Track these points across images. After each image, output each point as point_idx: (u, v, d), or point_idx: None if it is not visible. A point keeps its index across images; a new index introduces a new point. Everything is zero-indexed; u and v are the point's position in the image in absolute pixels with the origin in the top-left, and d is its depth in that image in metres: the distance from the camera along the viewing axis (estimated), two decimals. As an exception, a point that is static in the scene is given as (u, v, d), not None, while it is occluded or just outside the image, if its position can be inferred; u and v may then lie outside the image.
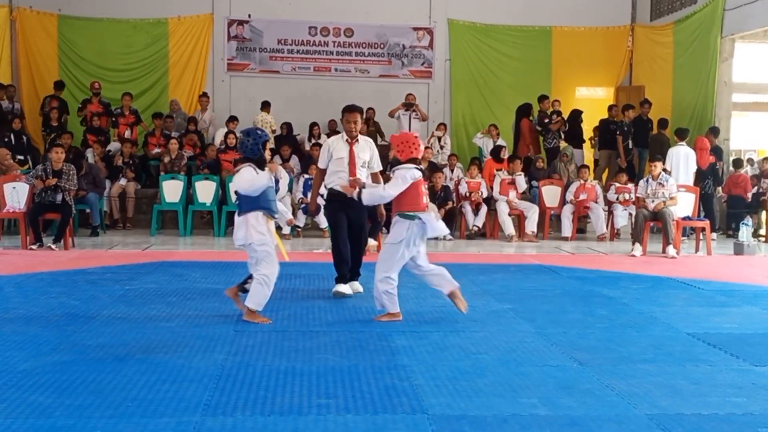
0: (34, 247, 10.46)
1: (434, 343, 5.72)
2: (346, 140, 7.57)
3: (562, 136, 15.52)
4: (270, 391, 4.50)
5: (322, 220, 12.21)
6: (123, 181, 13.33)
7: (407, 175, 6.28)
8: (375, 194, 6.52)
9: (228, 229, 12.88)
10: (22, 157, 13.55)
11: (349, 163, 7.46)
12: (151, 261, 9.64)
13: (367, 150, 7.61)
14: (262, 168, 6.30)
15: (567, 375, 4.97)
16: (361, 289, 7.72)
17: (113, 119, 15.02)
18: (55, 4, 16.42)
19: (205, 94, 16.14)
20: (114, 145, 14.29)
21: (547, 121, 15.38)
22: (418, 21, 17.43)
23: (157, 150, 14.51)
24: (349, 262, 7.60)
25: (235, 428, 3.93)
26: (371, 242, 10.39)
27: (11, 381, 4.58)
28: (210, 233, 12.92)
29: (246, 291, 6.36)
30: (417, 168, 6.41)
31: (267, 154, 6.42)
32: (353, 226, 7.63)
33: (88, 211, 12.33)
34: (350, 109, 7.60)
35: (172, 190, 12.93)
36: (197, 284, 8.00)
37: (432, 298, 7.41)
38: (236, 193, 6.41)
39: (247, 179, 6.16)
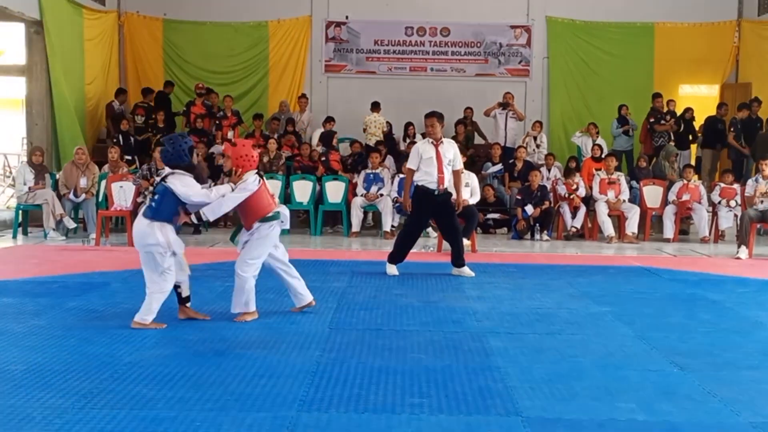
0: (139, 244, 10.80)
1: (529, 345, 5.66)
2: (432, 142, 8.59)
3: (672, 137, 15.10)
4: (364, 388, 4.54)
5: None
6: (225, 181, 13.62)
7: (249, 186, 6.33)
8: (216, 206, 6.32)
9: (324, 228, 13.05)
10: (129, 157, 14.07)
11: (436, 162, 8.45)
12: (250, 259, 9.82)
13: (450, 150, 8.62)
14: (192, 173, 6.16)
15: (667, 380, 4.85)
16: (472, 273, 8.68)
17: (216, 121, 15.41)
18: (161, 8, 16.95)
19: (303, 96, 16.38)
20: (217, 148, 14.65)
21: (653, 120, 15.00)
22: (516, 19, 17.24)
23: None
24: (406, 252, 8.74)
25: (329, 424, 3.98)
26: (464, 242, 10.37)
27: (117, 373, 4.76)
28: (306, 232, 13.11)
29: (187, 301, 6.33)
30: (256, 173, 6.43)
31: (195, 159, 6.22)
32: (441, 220, 8.94)
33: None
34: (427, 116, 8.64)
35: (270, 189, 13.11)
36: (294, 282, 8.11)
37: (528, 300, 7.34)
38: (156, 199, 6.02)
39: (199, 192, 6.04)
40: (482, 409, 4.24)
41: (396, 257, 8.76)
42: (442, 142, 8.58)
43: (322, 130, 15.10)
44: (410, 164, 8.69)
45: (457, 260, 8.77)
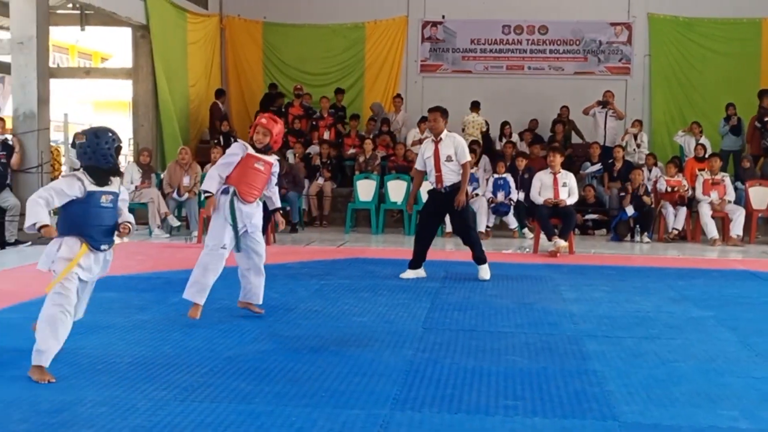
0: (238, 242, 11.05)
1: (628, 349, 5.53)
2: (432, 139, 8.36)
3: None
4: (457, 389, 4.53)
5: (512, 221, 12.33)
6: (321, 181, 13.86)
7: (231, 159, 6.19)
8: None
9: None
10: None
11: (434, 159, 8.22)
12: (345, 257, 9.96)
13: (450, 146, 8.21)
14: (105, 180, 4.72)
15: (772, 388, 4.67)
16: (487, 276, 8.31)
17: (313, 122, 15.65)
18: (261, 12, 17.32)
19: (398, 96, 16.45)
20: (314, 149, 14.87)
21: (767, 119, 14.45)
22: (616, 16, 16.88)
23: (352, 150, 14.96)
24: (419, 250, 8.39)
25: (422, 424, 3.99)
26: (561, 243, 10.26)
27: (216, 367, 4.88)
28: (400, 231, 13.17)
29: None
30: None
31: (118, 161, 4.91)
32: (450, 218, 8.77)
33: (288, 208, 12.94)
34: (430, 110, 8.42)
35: (365, 189, 13.31)
36: (388, 281, 8.18)
37: (626, 303, 7.19)
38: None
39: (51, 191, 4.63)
40: (578, 413, 4.17)
41: (413, 261, 8.45)
42: (442, 138, 8.21)
43: (416, 130, 15.14)
44: (417, 165, 8.59)
45: (477, 256, 8.42)
